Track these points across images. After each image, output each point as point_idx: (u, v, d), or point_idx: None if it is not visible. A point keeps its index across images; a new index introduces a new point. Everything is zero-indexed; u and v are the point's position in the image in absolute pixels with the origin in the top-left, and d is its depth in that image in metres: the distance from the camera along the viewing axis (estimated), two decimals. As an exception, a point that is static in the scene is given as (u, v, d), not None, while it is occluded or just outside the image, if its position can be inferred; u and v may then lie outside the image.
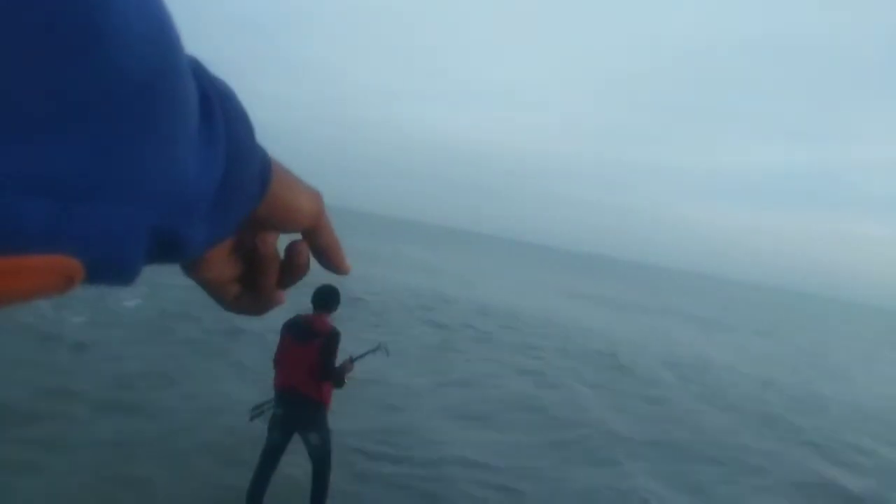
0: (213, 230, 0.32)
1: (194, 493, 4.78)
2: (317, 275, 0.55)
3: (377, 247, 36.90)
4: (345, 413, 5.80)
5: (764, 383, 13.81)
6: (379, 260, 26.91)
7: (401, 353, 8.97)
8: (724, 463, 7.84)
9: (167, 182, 0.27)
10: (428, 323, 14.07)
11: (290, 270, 0.43)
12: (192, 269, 0.39)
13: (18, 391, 5.96)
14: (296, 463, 4.75)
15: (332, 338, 4.36)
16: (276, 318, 4.40)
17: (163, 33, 0.26)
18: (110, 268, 0.26)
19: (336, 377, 4.37)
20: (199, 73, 0.30)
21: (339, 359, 4.43)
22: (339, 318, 4.65)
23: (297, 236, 0.43)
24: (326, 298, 4.49)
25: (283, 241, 0.43)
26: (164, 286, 10.58)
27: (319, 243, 0.43)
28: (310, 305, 4.49)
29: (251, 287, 0.42)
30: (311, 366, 4.31)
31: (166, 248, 0.29)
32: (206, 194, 0.30)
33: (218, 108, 0.31)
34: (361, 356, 4.82)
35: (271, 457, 4.43)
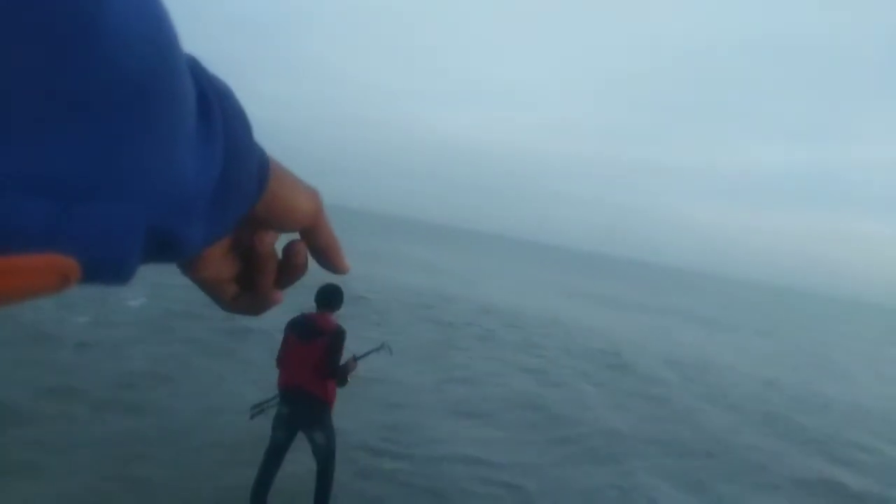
0: (211, 229, 0.32)
1: (197, 493, 4.78)
2: (316, 274, 0.55)
3: (379, 246, 36.92)
4: (348, 411, 5.80)
5: (766, 382, 13.79)
6: (381, 259, 26.92)
7: (403, 351, 8.97)
8: (726, 461, 7.84)
9: (165, 181, 0.27)
10: (430, 321, 14.07)
11: (289, 270, 0.43)
12: (190, 267, 0.39)
13: (20, 391, 5.96)
14: (299, 461, 4.75)
15: (338, 336, 4.37)
16: (282, 317, 4.43)
17: (161, 32, 0.26)
18: (107, 267, 0.26)
19: (340, 375, 4.38)
20: (196, 71, 0.30)
21: (343, 358, 4.43)
22: (341, 317, 4.65)
23: (296, 236, 0.42)
24: (330, 297, 4.50)
25: (281, 241, 0.43)
26: (168, 286, 10.58)
27: (318, 243, 0.42)
28: (311, 305, 4.49)
29: (249, 287, 0.42)
30: (315, 364, 4.31)
31: (163, 247, 0.29)
32: (203, 193, 0.30)
33: (216, 107, 0.31)
34: (365, 355, 4.83)
35: (275, 456, 4.44)
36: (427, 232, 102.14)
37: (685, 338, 19.77)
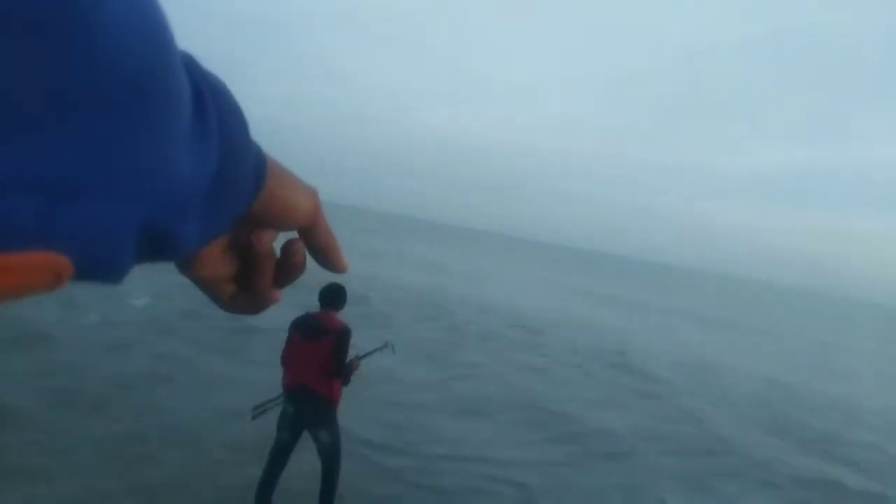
0: (207, 227, 0.32)
1: (200, 494, 4.78)
2: (315, 273, 0.55)
3: (381, 245, 36.96)
4: (352, 410, 5.80)
5: (767, 381, 13.77)
6: (383, 258, 26.95)
7: (407, 350, 8.97)
8: (728, 460, 7.84)
9: (159, 179, 0.27)
10: (433, 320, 14.08)
11: (287, 269, 0.43)
12: (187, 266, 0.39)
13: (22, 393, 5.94)
14: (304, 460, 4.76)
15: (345, 334, 4.38)
16: (286, 317, 4.43)
17: (156, 31, 0.26)
18: (100, 265, 0.26)
19: (345, 374, 4.39)
20: (191, 67, 0.30)
21: (347, 357, 4.44)
22: (344, 317, 4.66)
23: (294, 234, 0.42)
24: (334, 296, 4.51)
25: (279, 240, 0.43)
26: (173, 285, 10.60)
27: (316, 242, 0.42)
28: (314, 304, 4.50)
29: (247, 286, 0.42)
30: (321, 363, 4.32)
31: (159, 246, 0.29)
32: (198, 191, 0.30)
33: (211, 104, 0.31)
34: (368, 354, 4.83)
35: (280, 455, 4.44)
36: (429, 231, 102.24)
37: (688, 337, 19.76)
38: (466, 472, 6.05)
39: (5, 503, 4.29)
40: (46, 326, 8.04)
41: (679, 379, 12.33)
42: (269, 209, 0.38)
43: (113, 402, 6.13)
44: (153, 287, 10.87)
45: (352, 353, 4.50)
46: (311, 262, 0.44)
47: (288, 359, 4.44)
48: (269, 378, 5.61)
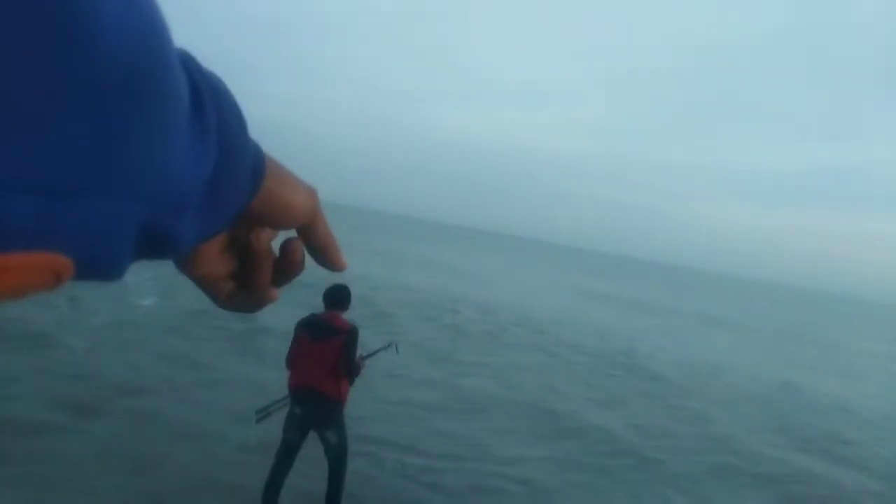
0: (205, 225, 0.32)
1: (207, 495, 4.77)
2: (315, 273, 0.55)
3: (384, 245, 36.91)
4: (357, 410, 5.81)
5: (777, 382, 13.68)
6: (387, 258, 26.94)
7: (411, 350, 8.98)
8: (732, 460, 7.80)
9: (157, 178, 0.27)
10: (438, 320, 14.07)
11: (285, 268, 0.43)
12: (185, 264, 0.39)
13: (27, 398, 5.87)
14: (311, 461, 4.75)
15: (353, 334, 4.38)
16: (291, 318, 4.41)
17: (154, 30, 0.26)
18: (99, 264, 0.26)
19: (353, 374, 4.39)
20: (190, 66, 0.30)
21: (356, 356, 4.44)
22: (348, 317, 4.66)
23: (293, 233, 0.42)
24: (339, 297, 4.50)
25: (278, 239, 0.43)
26: (180, 285, 10.59)
27: (315, 241, 0.42)
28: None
29: (245, 284, 0.42)
30: (329, 364, 4.31)
31: (157, 244, 0.29)
32: (196, 189, 0.30)
33: (208, 102, 0.31)
34: (373, 354, 4.83)
35: (287, 456, 4.44)
36: (429, 231, 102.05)
37: (691, 337, 19.68)
38: (471, 470, 6.05)
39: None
40: (53, 327, 8.05)
41: (682, 378, 12.29)
42: (267, 208, 0.38)
43: (118, 405, 6.09)
44: (160, 287, 10.88)
45: (357, 352, 4.51)
46: (309, 262, 0.44)
47: (294, 359, 4.43)
48: (276, 378, 5.60)
